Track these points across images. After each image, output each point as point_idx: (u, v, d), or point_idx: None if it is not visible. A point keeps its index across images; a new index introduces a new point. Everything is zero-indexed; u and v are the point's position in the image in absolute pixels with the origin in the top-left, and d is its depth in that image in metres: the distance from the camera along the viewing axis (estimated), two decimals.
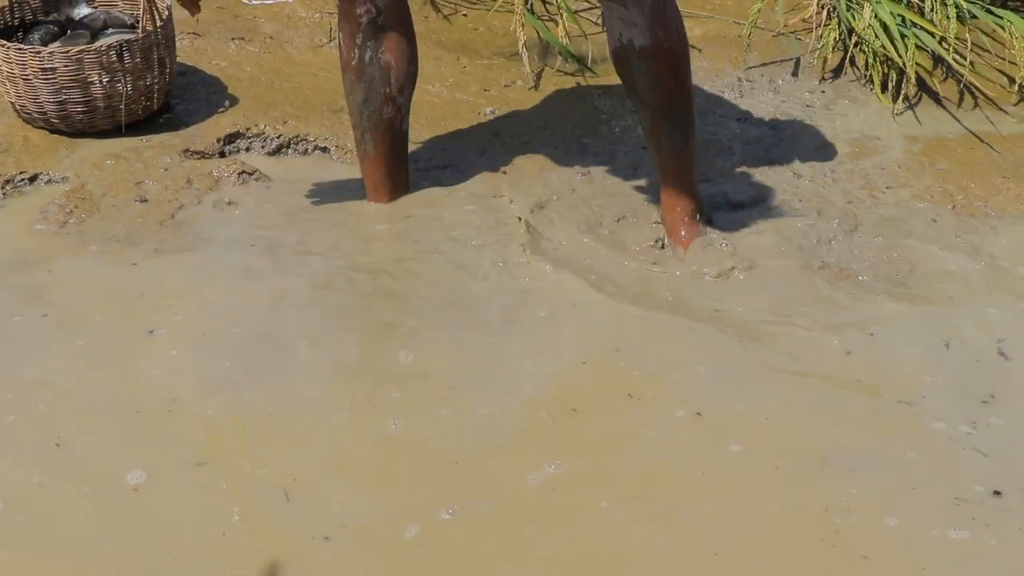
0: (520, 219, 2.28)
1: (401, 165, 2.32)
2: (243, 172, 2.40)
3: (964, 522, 1.63)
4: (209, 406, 1.79)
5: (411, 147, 2.54)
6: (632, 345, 1.97)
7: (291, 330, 1.97)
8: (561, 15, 2.98)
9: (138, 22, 2.52)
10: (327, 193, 2.38)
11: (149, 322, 1.96)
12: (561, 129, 2.67)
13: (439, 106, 2.74)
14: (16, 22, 2.61)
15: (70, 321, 1.97)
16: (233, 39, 2.98)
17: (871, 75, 2.87)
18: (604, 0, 2.10)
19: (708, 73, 2.94)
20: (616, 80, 2.91)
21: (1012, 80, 2.85)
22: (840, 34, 2.96)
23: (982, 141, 2.68)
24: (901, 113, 2.78)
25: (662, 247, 2.24)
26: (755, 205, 2.39)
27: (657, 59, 2.10)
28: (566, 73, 2.90)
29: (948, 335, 2.02)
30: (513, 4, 3.01)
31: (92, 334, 1.94)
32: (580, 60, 2.94)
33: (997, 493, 1.67)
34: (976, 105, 2.82)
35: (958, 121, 2.76)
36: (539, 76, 2.87)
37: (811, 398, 1.87)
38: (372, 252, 2.20)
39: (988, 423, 1.81)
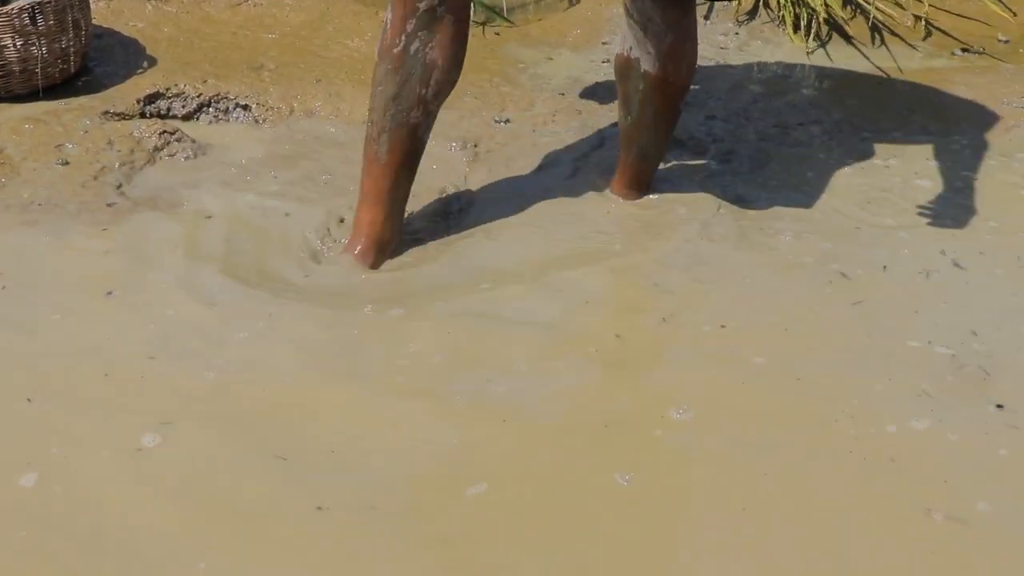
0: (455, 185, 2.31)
1: (408, 183, 2.06)
2: (164, 132, 2.40)
3: (977, 431, 1.69)
4: (186, 368, 1.76)
5: (330, 100, 2.57)
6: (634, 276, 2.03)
7: (239, 289, 1.94)
8: None
9: None
10: (250, 150, 2.40)
11: (104, 285, 1.94)
12: (480, 79, 2.70)
13: (359, 60, 2.75)
14: None
15: (17, 287, 1.94)
16: (150, 0, 2.97)
17: (783, 16, 2.94)
18: (628, 16, 2.04)
19: (621, 16, 2.97)
20: (537, 29, 2.98)
21: (918, 18, 2.94)
22: None
23: (890, 77, 2.76)
24: (812, 52, 2.85)
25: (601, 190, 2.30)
26: (670, 147, 2.44)
27: (658, 89, 2.09)
28: (482, 23, 2.93)
29: (927, 259, 2.09)
30: None
31: (50, 298, 1.91)
32: (496, 11, 2.97)
33: (999, 406, 1.75)
34: (883, 43, 2.90)
35: (867, 59, 2.84)
36: None
37: (816, 315, 1.94)
38: (295, 196, 2.23)
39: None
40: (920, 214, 2.20)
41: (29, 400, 1.69)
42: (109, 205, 2.18)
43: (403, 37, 1.94)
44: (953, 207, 2.24)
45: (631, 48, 2.08)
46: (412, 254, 2.07)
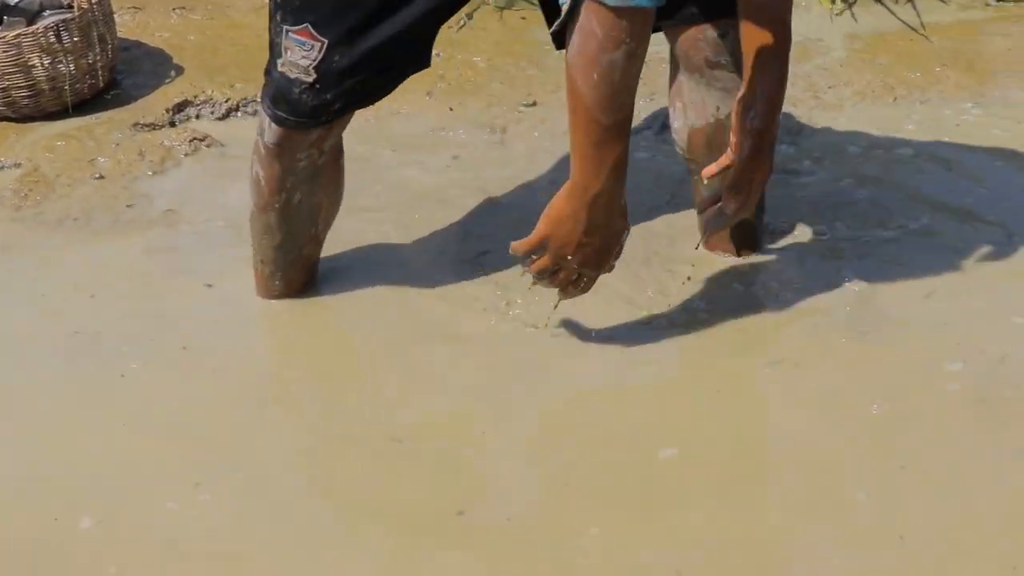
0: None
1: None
2: (194, 139, 2.42)
3: None
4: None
5: None
6: None
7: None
8: None
9: (73, 1, 2.52)
10: None
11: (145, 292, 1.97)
12: (506, 64, 2.69)
13: None
14: None
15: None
16: (175, 9, 2.99)
17: None
18: (708, 70, 1.77)
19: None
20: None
21: None
22: None
23: (922, 33, 2.71)
24: (840, 14, 2.80)
25: None
26: None
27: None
28: (503, 8, 2.91)
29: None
30: None
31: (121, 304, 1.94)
32: None
33: None
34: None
35: (896, 16, 2.79)
36: (470, 16, 2.87)
37: None
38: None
39: None
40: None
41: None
42: (141, 214, 2.20)
43: (283, 193, 1.78)
44: (991, 165, 2.20)
45: (718, 108, 1.79)
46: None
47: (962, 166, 2.20)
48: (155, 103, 2.57)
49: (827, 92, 2.50)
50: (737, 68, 1.74)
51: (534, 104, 2.52)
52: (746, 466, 1.55)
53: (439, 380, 1.73)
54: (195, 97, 2.59)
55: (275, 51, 1.70)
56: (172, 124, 2.52)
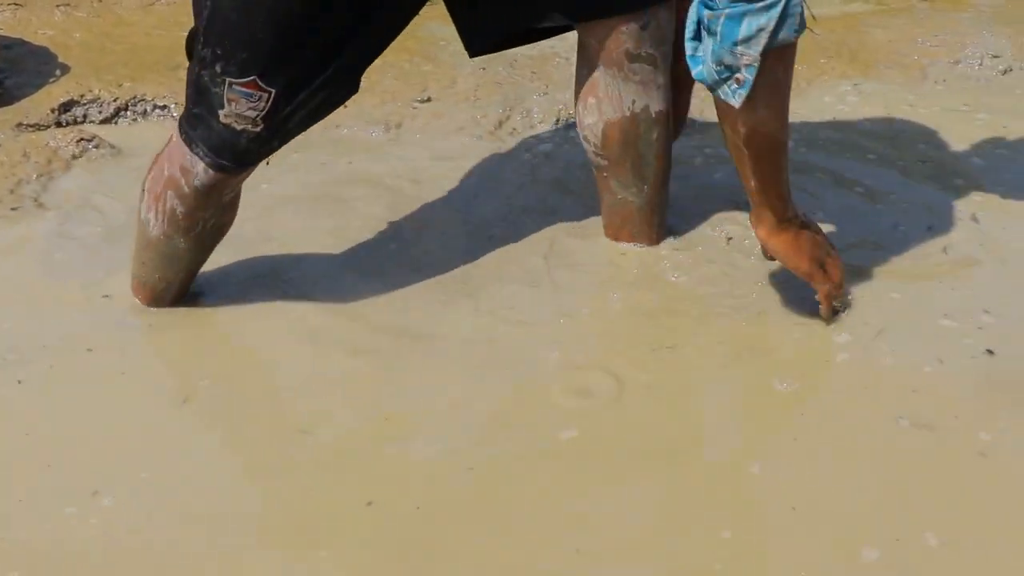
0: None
1: None
2: (81, 139, 2.36)
3: None
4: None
5: None
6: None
7: None
8: None
9: None
10: None
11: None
12: (400, 60, 2.68)
13: None
14: None
15: None
16: (59, 6, 2.92)
17: None
18: (627, 63, 1.79)
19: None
20: None
21: None
22: None
23: (809, 29, 2.77)
24: None
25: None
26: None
27: (673, 125, 1.89)
28: None
29: None
30: None
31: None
32: None
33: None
34: None
35: None
36: None
37: None
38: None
39: None
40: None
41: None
42: (27, 217, 2.14)
43: (199, 224, 1.78)
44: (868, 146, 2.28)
45: (634, 102, 1.81)
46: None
47: (847, 156, 2.26)
48: (40, 103, 2.50)
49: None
50: (655, 59, 1.77)
51: (428, 100, 2.52)
52: (644, 446, 1.57)
53: (340, 376, 1.72)
54: (82, 97, 2.53)
55: (214, 101, 1.65)
56: (58, 124, 2.46)
